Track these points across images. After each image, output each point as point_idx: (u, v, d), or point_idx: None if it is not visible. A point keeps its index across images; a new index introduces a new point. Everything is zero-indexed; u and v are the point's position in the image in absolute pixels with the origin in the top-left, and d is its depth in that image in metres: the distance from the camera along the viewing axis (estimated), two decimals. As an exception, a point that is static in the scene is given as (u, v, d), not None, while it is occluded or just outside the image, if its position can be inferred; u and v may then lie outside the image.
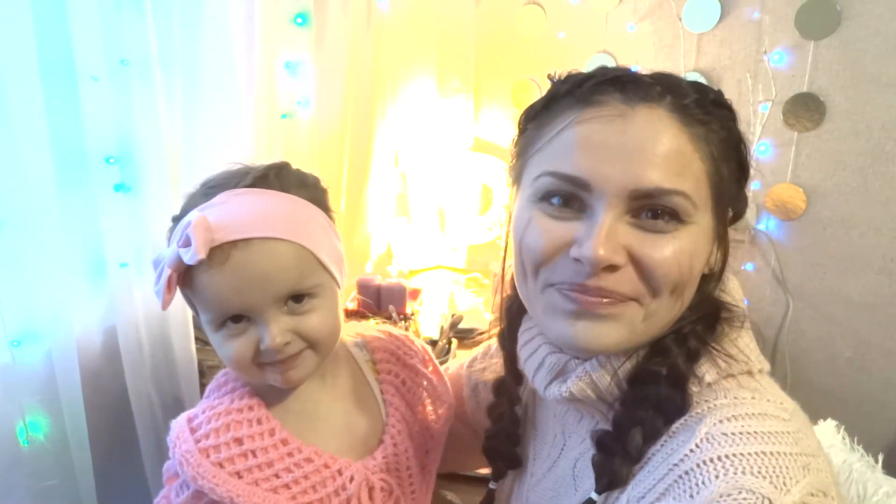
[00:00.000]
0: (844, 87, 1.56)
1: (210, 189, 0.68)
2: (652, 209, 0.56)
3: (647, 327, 0.59)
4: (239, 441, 0.66)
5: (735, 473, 0.50)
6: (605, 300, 0.57)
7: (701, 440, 0.53)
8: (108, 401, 1.22)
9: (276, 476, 0.66)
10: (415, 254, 2.03)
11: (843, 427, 1.23)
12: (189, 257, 0.61)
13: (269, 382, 0.68)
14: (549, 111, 0.62)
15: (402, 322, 1.55)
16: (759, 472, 0.49)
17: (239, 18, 1.33)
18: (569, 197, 0.58)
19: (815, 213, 1.65)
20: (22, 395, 1.05)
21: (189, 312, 1.29)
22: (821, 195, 1.64)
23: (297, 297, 0.66)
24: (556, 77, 0.64)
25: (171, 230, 0.69)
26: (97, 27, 1.06)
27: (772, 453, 0.51)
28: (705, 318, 0.62)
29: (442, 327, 1.52)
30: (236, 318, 0.65)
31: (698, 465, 0.52)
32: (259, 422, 0.68)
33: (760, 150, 1.65)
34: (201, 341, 1.40)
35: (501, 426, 0.78)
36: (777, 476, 0.49)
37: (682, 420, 0.57)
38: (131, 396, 1.22)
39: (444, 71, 2.00)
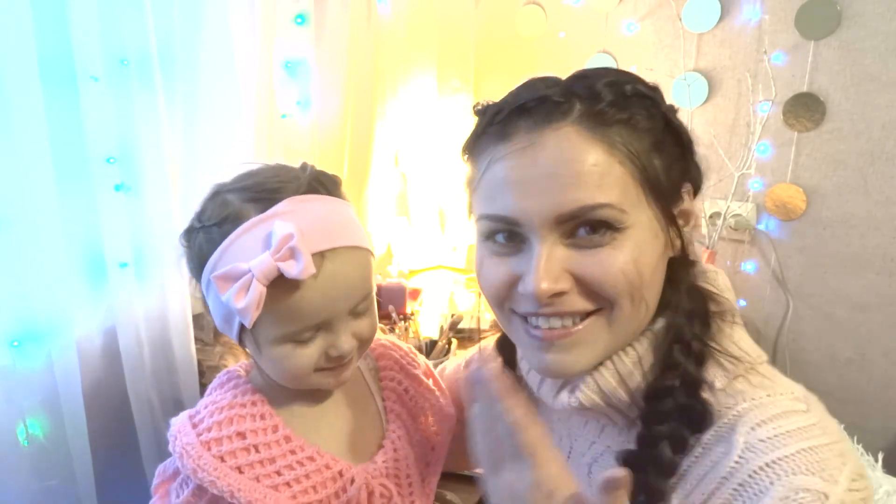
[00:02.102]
0: (844, 87, 1.55)
1: (270, 193, 0.64)
2: (584, 226, 0.57)
3: (617, 335, 0.60)
4: (242, 435, 0.65)
5: (787, 476, 0.52)
6: (562, 330, 0.59)
7: (742, 451, 0.55)
8: (108, 401, 1.22)
9: (278, 473, 0.65)
10: (415, 254, 2.03)
11: (843, 427, 1.23)
12: (297, 273, 0.58)
13: (318, 386, 0.68)
14: (476, 147, 0.64)
15: (402, 322, 1.55)
16: (808, 470, 0.52)
17: (239, 18, 1.33)
18: (509, 232, 0.61)
19: (815, 213, 1.65)
20: (22, 395, 1.05)
21: (189, 312, 1.29)
22: (821, 195, 1.64)
23: (359, 304, 0.67)
24: (480, 109, 0.66)
25: (201, 236, 0.65)
26: (97, 27, 1.06)
27: (811, 448, 0.53)
28: (697, 314, 0.62)
29: (442, 327, 1.53)
30: (312, 330, 0.64)
31: (751, 476, 0.53)
32: (262, 417, 0.67)
33: (760, 150, 1.65)
34: (201, 341, 1.40)
35: None
36: (823, 470, 0.52)
37: (712, 431, 0.58)
38: (131, 397, 1.22)
39: (444, 71, 2.00)
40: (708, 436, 0.58)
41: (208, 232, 0.64)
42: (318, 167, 0.70)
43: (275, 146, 1.46)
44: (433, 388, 0.82)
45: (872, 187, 1.58)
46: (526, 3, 1.88)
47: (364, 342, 0.69)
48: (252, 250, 0.60)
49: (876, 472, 1.17)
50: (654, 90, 0.62)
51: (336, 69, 1.63)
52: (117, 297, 1.17)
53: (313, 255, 0.60)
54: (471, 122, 0.68)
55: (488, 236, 0.62)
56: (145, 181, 1.18)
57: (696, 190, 0.65)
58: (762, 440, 0.54)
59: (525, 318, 0.62)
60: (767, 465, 0.53)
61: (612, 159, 0.57)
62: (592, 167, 0.56)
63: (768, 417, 0.56)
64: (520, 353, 0.73)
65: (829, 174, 1.62)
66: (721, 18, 1.64)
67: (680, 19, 1.68)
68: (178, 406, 1.28)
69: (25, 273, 1.03)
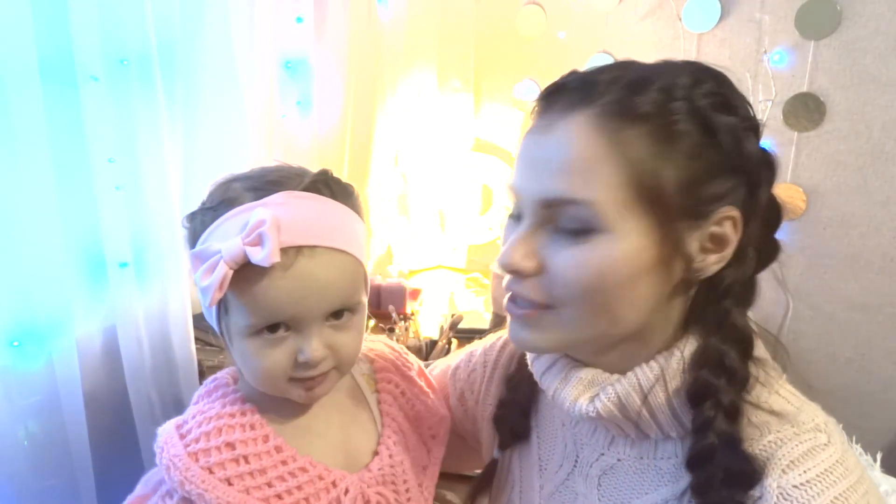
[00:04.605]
0: (844, 87, 1.55)
1: (268, 184, 0.63)
2: (567, 217, 0.57)
3: (572, 334, 0.60)
4: (231, 446, 0.63)
5: None
6: (522, 310, 0.61)
7: (777, 498, 0.55)
8: (108, 401, 1.22)
9: (269, 485, 0.63)
10: (415, 254, 2.03)
11: (842, 427, 1.23)
12: (261, 258, 0.57)
13: (289, 396, 0.66)
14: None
15: (402, 322, 1.55)
16: None
17: (239, 18, 1.33)
18: (518, 207, 0.61)
19: (815, 213, 1.65)
20: (22, 394, 1.05)
21: (189, 312, 1.29)
22: (821, 195, 1.64)
23: (339, 313, 0.64)
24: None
25: (199, 218, 0.64)
26: (97, 27, 1.06)
27: (840, 495, 0.54)
28: (730, 365, 0.58)
29: (442, 327, 1.52)
30: (274, 328, 0.62)
31: None
32: (252, 427, 0.65)
33: (760, 150, 1.65)
34: (201, 341, 1.40)
35: (516, 397, 0.77)
36: None
37: None
38: (131, 396, 1.22)
39: (444, 71, 2.00)
40: None
41: (205, 214, 0.64)
42: (318, 167, 0.68)
43: (275, 146, 1.46)
44: (427, 389, 0.80)
45: (872, 187, 1.57)
46: (526, 3, 1.88)
47: (342, 360, 0.66)
48: (230, 234, 0.60)
49: (874, 472, 1.17)
50: (703, 96, 0.57)
51: (336, 69, 1.63)
52: (117, 297, 1.18)
53: (289, 248, 0.59)
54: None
55: (510, 210, 0.64)
56: (145, 181, 1.18)
57: (749, 210, 0.59)
58: (795, 486, 0.55)
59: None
60: None
61: (611, 159, 0.55)
62: (585, 161, 0.55)
63: (797, 458, 0.56)
64: (531, 355, 0.72)
65: (829, 174, 1.62)
66: (721, 18, 1.64)
67: (680, 19, 1.68)
68: (178, 406, 1.28)
69: (25, 273, 1.03)
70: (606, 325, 0.59)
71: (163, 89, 1.16)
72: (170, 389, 1.29)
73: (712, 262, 0.59)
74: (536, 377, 0.69)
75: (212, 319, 0.66)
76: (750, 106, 0.61)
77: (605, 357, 0.63)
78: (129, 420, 1.23)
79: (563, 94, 0.59)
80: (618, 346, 0.62)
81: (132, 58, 1.12)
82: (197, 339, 1.34)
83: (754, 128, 0.60)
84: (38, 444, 1.08)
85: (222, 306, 0.63)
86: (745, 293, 0.62)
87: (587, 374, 0.64)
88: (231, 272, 0.58)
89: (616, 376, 0.62)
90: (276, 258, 0.57)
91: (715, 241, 0.58)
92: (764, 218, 0.62)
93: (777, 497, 0.54)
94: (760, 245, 0.62)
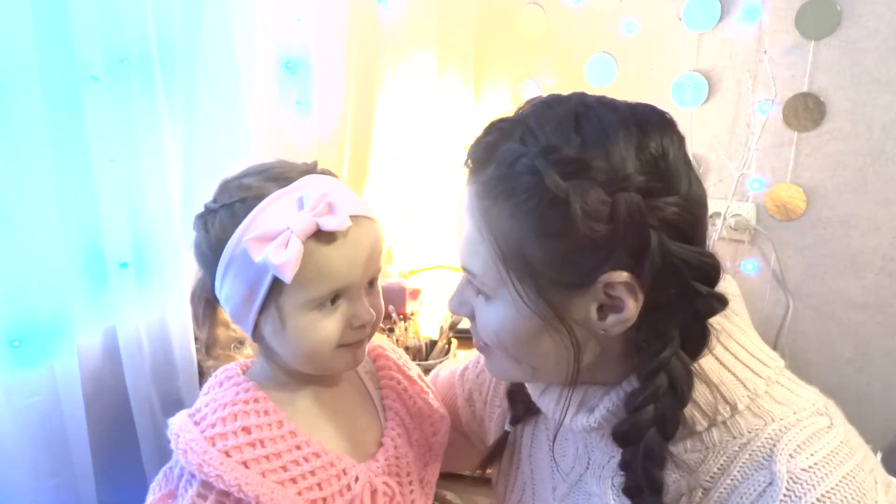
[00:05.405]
0: (844, 87, 1.55)
1: (287, 173, 0.67)
2: (473, 279, 0.63)
3: (514, 373, 0.66)
4: (247, 430, 0.65)
5: None
6: (477, 342, 0.68)
7: (788, 483, 0.55)
8: (108, 401, 1.22)
9: (284, 469, 0.65)
10: (415, 254, 2.03)
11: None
12: (336, 224, 0.61)
13: (335, 367, 0.70)
14: None
15: (402, 322, 1.55)
16: (853, 499, 0.54)
17: (239, 18, 1.33)
18: None
19: (815, 213, 1.65)
20: (22, 395, 1.05)
21: (189, 313, 1.29)
22: (821, 195, 1.64)
23: (373, 279, 0.71)
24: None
25: (224, 212, 0.65)
26: (97, 27, 1.06)
27: (849, 474, 0.55)
28: (666, 409, 0.57)
29: (442, 327, 1.53)
30: (335, 298, 0.66)
31: None
32: (266, 413, 0.67)
33: (760, 150, 1.65)
34: (201, 342, 1.40)
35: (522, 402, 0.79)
36: (865, 495, 0.54)
37: (746, 455, 0.58)
38: (131, 397, 1.22)
39: (445, 70, 2.00)
40: (743, 460, 0.59)
41: (230, 208, 0.65)
42: (319, 167, 0.72)
43: (274, 145, 1.46)
44: (427, 389, 0.82)
45: (872, 187, 1.58)
46: (526, 3, 1.88)
47: (375, 324, 0.71)
48: (285, 212, 0.62)
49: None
50: (577, 162, 0.53)
51: (336, 69, 1.63)
52: (117, 297, 1.17)
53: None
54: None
55: None
56: (145, 181, 1.18)
57: (671, 268, 0.54)
58: (804, 469, 0.56)
59: None
60: (818, 499, 0.54)
61: (484, 237, 0.58)
62: (469, 237, 0.61)
63: (802, 442, 0.57)
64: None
65: (829, 174, 1.62)
66: (721, 18, 1.64)
67: (680, 19, 1.68)
68: (178, 406, 1.27)
69: (25, 273, 1.03)
70: (532, 372, 0.64)
71: (163, 89, 1.16)
72: (170, 390, 1.29)
73: (613, 324, 0.57)
74: (534, 399, 0.71)
75: (250, 313, 0.66)
76: (643, 151, 0.54)
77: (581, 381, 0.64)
78: (129, 420, 1.23)
79: (469, 159, 0.61)
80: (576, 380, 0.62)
81: (132, 58, 1.12)
82: (197, 339, 1.34)
83: (620, 182, 0.53)
84: (38, 444, 1.08)
85: (272, 289, 0.64)
86: (691, 342, 0.58)
87: (577, 394, 0.65)
88: (303, 245, 0.61)
89: (606, 388, 0.63)
90: (349, 222, 0.62)
91: (611, 304, 0.56)
92: (673, 268, 0.54)
93: (788, 481, 0.55)
94: (684, 295, 0.55)
